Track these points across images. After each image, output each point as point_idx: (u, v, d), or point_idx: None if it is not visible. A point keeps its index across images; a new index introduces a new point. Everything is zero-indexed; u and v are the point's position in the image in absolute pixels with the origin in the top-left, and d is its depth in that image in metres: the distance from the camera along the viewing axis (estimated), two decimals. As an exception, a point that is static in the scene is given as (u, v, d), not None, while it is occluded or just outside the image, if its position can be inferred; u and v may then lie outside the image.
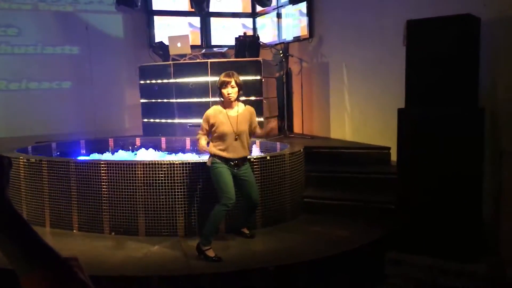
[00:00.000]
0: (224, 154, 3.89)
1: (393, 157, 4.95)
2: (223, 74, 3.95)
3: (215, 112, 3.96)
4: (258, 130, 4.32)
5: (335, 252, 3.89)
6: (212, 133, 3.97)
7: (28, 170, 4.87)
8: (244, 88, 4.17)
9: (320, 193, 5.07)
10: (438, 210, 3.69)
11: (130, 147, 6.69)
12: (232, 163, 3.91)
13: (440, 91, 3.69)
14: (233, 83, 3.88)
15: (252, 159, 4.51)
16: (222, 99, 3.97)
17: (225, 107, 3.97)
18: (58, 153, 6.28)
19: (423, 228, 3.75)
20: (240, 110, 4.00)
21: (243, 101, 4.31)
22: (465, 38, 3.62)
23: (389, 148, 5.37)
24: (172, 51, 6.97)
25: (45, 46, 7.57)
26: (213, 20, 8.60)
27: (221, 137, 3.91)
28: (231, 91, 3.88)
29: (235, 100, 3.96)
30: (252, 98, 6.37)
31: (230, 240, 4.23)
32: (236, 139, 3.90)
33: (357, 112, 6.38)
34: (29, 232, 0.70)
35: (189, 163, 4.47)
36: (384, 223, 4.29)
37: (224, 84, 3.89)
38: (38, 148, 6.15)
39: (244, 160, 4.03)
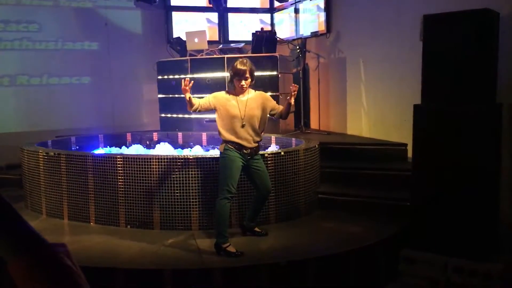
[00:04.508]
0: (237, 140, 3.81)
1: (410, 153, 4.88)
2: (238, 63, 3.87)
3: (225, 97, 3.91)
4: (281, 107, 4.03)
5: (348, 248, 3.87)
6: (220, 118, 3.89)
7: (47, 163, 4.96)
8: (260, 84, 4.14)
9: (334, 190, 5.05)
10: (453, 208, 3.63)
11: (148, 142, 6.76)
12: (246, 152, 3.84)
13: (457, 86, 3.62)
14: (247, 74, 3.82)
15: (266, 154, 4.52)
16: (234, 86, 3.90)
17: (236, 94, 3.91)
18: (77, 147, 6.39)
19: (438, 226, 3.70)
20: (250, 95, 3.94)
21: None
22: (483, 33, 3.53)
23: (406, 145, 5.31)
24: (190, 47, 7.00)
25: (65, 42, 7.70)
26: (230, 15, 8.61)
27: (229, 123, 3.83)
28: (244, 83, 3.83)
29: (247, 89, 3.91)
30: (269, 93, 6.30)
31: (242, 235, 4.24)
32: (243, 125, 3.82)
33: (374, 108, 6.32)
34: (14, 217, 0.70)
35: (203, 157, 4.50)
36: (399, 221, 4.25)
37: (238, 74, 3.83)
38: (58, 142, 6.27)
39: (257, 149, 3.96)
